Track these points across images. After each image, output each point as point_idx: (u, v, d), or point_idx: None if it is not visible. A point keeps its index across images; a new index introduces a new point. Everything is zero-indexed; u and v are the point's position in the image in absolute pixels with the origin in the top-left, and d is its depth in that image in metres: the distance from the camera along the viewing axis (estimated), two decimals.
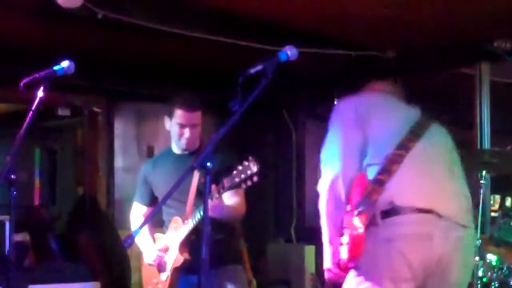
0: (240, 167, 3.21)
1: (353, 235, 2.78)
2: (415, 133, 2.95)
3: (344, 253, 2.84)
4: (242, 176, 3.20)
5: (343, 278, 2.91)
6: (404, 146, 2.87)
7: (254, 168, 3.16)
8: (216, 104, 3.74)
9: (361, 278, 2.80)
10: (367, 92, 3.20)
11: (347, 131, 2.95)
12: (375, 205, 2.78)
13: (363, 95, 3.16)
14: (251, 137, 6.48)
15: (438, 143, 3.04)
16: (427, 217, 2.76)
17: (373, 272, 2.78)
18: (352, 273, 2.85)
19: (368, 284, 2.78)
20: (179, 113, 3.68)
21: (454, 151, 3.11)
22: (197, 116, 3.71)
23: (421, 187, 2.82)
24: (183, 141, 3.72)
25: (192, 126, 3.70)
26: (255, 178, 3.18)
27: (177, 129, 3.70)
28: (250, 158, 3.20)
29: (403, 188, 2.80)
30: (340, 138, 2.94)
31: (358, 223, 2.78)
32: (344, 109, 3.07)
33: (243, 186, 3.21)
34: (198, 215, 3.47)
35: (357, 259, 2.81)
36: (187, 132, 3.69)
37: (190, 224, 3.53)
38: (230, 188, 3.29)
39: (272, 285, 6.27)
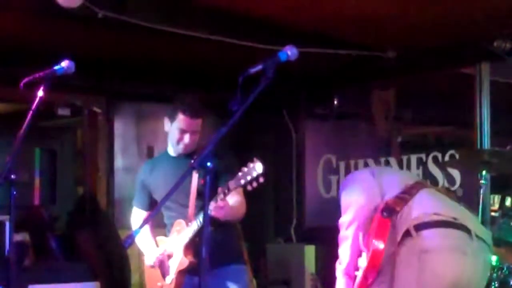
0: (245, 169, 3.21)
1: (373, 249, 2.84)
2: (419, 183, 3.08)
3: (362, 267, 2.89)
4: (248, 177, 3.20)
5: None
6: (416, 186, 3.00)
7: (260, 169, 3.16)
8: (216, 104, 3.73)
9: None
10: None
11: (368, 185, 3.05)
12: (400, 217, 2.83)
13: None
14: (251, 137, 6.48)
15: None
16: (460, 233, 2.80)
17: (405, 281, 2.79)
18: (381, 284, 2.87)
19: None
20: (181, 118, 3.64)
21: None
22: (198, 123, 3.69)
23: (444, 205, 2.92)
24: (181, 146, 3.70)
25: (192, 133, 3.68)
26: (261, 179, 3.18)
27: (177, 134, 3.68)
28: (255, 159, 3.19)
29: (429, 203, 2.89)
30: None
31: (378, 234, 2.85)
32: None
33: (249, 188, 3.21)
34: (201, 217, 3.46)
35: (374, 271, 2.85)
36: (186, 138, 3.67)
37: (194, 226, 3.52)
38: (235, 189, 3.30)
39: (272, 285, 6.27)
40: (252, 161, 3.19)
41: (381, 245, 2.82)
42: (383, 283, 2.85)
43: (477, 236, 2.82)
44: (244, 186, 3.23)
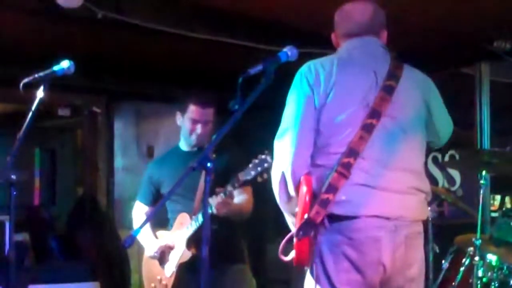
0: (256, 160, 3.22)
1: (297, 243, 2.71)
2: (374, 114, 2.72)
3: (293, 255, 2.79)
4: (259, 169, 3.21)
5: None
6: (354, 151, 2.68)
7: (271, 161, 3.16)
8: (216, 104, 3.74)
9: (314, 279, 2.76)
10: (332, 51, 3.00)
11: (302, 111, 2.75)
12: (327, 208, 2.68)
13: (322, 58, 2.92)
14: (251, 137, 6.48)
15: (405, 106, 2.84)
16: (373, 220, 2.67)
17: (324, 275, 2.73)
18: (307, 272, 2.82)
19: (321, 285, 2.74)
20: (192, 109, 3.69)
21: (430, 102, 3.00)
22: (210, 113, 3.72)
23: (367, 200, 2.70)
24: (194, 137, 3.72)
25: (204, 123, 3.70)
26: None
27: (189, 125, 3.70)
28: (266, 151, 3.21)
29: (349, 203, 2.68)
30: (292, 123, 2.77)
31: (300, 250, 2.72)
32: (299, 79, 2.81)
33: (259, 179, 3.22)
34: (210, 202, 3.45)
35: (303, 265, 2.77)
36: (199, 128, 3.69)
37: (199, 219, 3.51)
38: (245, 182, 3.30)
39: (272, 285, 6.27)
40: (263, 153, 3.21)
41: (305, 243, 2.68)
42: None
43: (394, 218, 2.68)
44: (254, 178, 3.24)
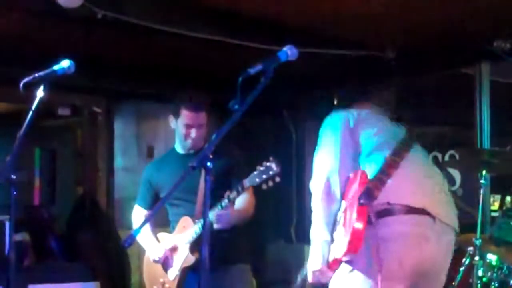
0: (261, 167, 3.22)
1: (354, 229, 2.79)
2: (405, 145, 3.04)
3: (341, 248, 2.84)
4: (264, 176, 3.21)
5: (329, 278, 2.93)
6: (398, 154, 2.95)
7: (277, 169, 3.17)
8: (216, 104, 3.74)
9: (355, 273, 2.82)
10: (356, 107, 3.26)
11: (341, 136, 3.02)
12: (374, 203, 2.80)
13: (352, 109, 3.24)
14: (251, 137, 6.48)
15: (422, 157, 3.15)
16: (422, 218, 2.81)
17: (367, 269, 2.80)
18: (345, 268, 2.86)
19: (362, 279, 2.80)
20: (185, 114, 3.66)
21: (435, 168, 3.24)
22: (203, 116, 3.70)
23: (416, 190, 2.89)
24: (189, 141, 3.71)
25: (198, 126, 3.69)
26: (277, 179, 3.19)
27: (183, 130, 3.69)
28: (271, 158, 3.21)
29: (400, 189, 2.86)
30: (335, 142, 3.01)
31: (359, 217, 2.79)
32: (336, 119, 3.14)
33: (264, 186, 3.22)
34: (209, 215, 3.44)
35: (354, 252, 2.82)
36: (193, 133, 3.68)
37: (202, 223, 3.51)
38: (249, 187, 3.31)
39: (272, 285, 6.27)
40: (268, 160, 3.20)
41: (360, 225, 2.77)
42: (353, 263, 2.85)
43: (440, 220, 2.85)
44: (259, 185, 3.24)
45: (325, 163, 2.98)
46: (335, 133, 3.05)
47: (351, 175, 2.92)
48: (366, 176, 2.87)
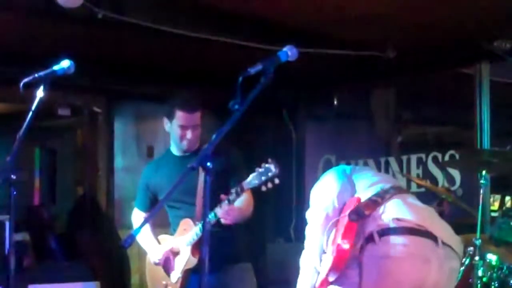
0: (260, 169, 3.21)
1: (339, 248, 2.81)
2: (401, 187, 3.10)
3: (326, 266, 2.87)
4: (263, 178, 3.19)
5: None
6: (396, 189, 2.97)
7: (275, 170, 3.16)
8: (215, 104, 3.73)
9: None
10: None
11: (339, 177, 3.04)
12: (367, 224, 2.80)
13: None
14: (251, 137, 6.48)
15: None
16: (425, 241, 2.76)
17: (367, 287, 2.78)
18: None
19: None
20: (179, 115, 3.63)
21: None
22: (197, 116, 3.68)
23: (416, 212, 2.87)
24: (185, 143, 3.68)
25: (193, 127, 3.66)
26: (276, 181, 3.18)
27: (178, 131, 3.66)
28: (270, 160, 3.19)
29: (401, 209, 2.84)
30: (332, 181, 3.03)
31: (345, 235, 2.81)
32: (332, 170, 3.16)
33: (263, 188, 3.21)
34: (210, 216, 3.44)
35: (336, 271, 2.83)
36: (189, 134, 3.65)
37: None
38: (248, 189, 3.30)
39: (272, 285, 6.27)
40: (267, 161, 3.19)
41: (346, 246, 2.79)
42: (344, 285, 2.83)
43: (443, 243, 2.79)
44: (258, 187, 3.23)
45: (324, 195, 3.01)
46: (332, 176, 3.09)
47: (347, 201, 2.94)
48: (360, 200, 2.90)
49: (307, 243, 3.05)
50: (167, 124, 3.72)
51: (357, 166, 3.25)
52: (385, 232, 2.76)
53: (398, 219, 2.78)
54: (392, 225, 2.77)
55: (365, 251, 2.77)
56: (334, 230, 2.90)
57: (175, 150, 3.80)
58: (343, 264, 2.80)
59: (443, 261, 2.77)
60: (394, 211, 2.82)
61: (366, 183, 2.98)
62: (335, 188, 2.97)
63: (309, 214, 3.05)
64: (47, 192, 7.74)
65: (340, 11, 4.51)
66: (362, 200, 2.89)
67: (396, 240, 2.75)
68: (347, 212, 2.83)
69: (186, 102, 3.65)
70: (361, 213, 2.81)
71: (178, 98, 3.71)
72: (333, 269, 2.83)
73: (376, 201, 2.84)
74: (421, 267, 2.74)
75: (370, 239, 2.77)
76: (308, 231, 3.05)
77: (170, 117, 3.67)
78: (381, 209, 2.82)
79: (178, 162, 3.73)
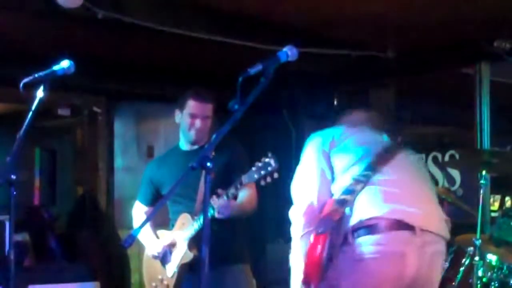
0: (259, 164, 3.22)
1: (309, 257, 2.82)
2: (382, 157, 2.96)
3: (300, 275, 2.88)
4: (262, 172, 3.20)
5: None
6: (371, 168, 2.88)
7: (275, 164, 3.16)
8: (215, 101, 3.74)
9: None
10: (339, 124, 3.24)
11: (318, 162, 3.00)
12: (341, 225, 2.78)
13: (340, 123, 3.23)
14: (251, 137, 6.48)
15: (409, 162, 3.07)
16: (399, 235, 2.72)
17: None
18: None
19: None
20: (191, 104, 3.67)
21: (426, 173, 3.17)
22: (209, 108, 3.70)
23: (393, 200, 2.79)
24: (193, 132, 3.69)
25: (203, 118, 3.68)
26: (275, 175, 3.18)
27: (188, 120, 3.68)
28: (270, 154, 3.20)
29: (371, 204, 2.78)
30: (311, 169, 3.00)
31: (314, 245, 2.81)
32: (314, 144, 3.11)
33: (262, 183, 3.22)
34: (209, 212, 3.44)
35: (309, 279, 2.83)
36: (198, 123, 3.67)
37: (201, 220, 3.50)
38: (248, 184, 3.30)
39: (272, 285, 6.27)
40: (266, 156, 3.20)
41: (316, 254, 2.78)
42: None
43: (422, 230, 2.73)
44: (257, 181, 3.24)
45: (304, 192, 2.99)
46: (310, 158, 3.06)
47: (326, 202, 2.90)
48: (333, 203, 2.86)
49: (292, 244, 3.02)
50: (177, 115, 3.74)
51: (344, 132, 3.11)
52: (358, 233, 2.73)
53: (370, 217, 2.73)
54: (363, 224, 2.73)
55: (341, 253, 2.77)
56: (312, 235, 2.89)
57: (183, 144, 3.81)
58: (314, 273, 2.80)
59: (421, 248, 2.73)
60: (364, 208, 2.77)
61: (344, 165, 2.92)
62: (315, 185, 2.93)
63: (291, 214, 3.02)
64: (47, 192, 7.74)
65: (340, 11, 4.51)
66: (336, 196, 2.84)
67: (369, 240, 2.71)
68: (318, 224, 2.81)
69: (198, 92, 3.70)
70: (328, 224, 2.78)
71: (191, 89, 3.75)
72: (304, 279, 2.83)
73: (344, 201, 2.79)
74: (397, 263, 2.70)
75: (345, 240, 2.76)
76: (293, 231, 3.01)
77: (182, 107, 3.70)
78: (352, 207, 2.78)
79: (184, 157, 3.73)
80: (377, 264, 2.69)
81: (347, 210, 2.79)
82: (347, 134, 3.06)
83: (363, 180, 2.82)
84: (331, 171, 2.95)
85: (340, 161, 2.94)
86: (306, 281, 2.85)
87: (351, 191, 2.81)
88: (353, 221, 2.75)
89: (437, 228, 2.84)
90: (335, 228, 2.78)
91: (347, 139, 3.04)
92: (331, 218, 2.77)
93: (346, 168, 2.91)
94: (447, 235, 2.92)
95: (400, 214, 2.74)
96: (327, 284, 2.79)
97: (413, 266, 2.71)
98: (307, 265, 2.84)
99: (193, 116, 3.68)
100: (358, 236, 2.73)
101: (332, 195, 2.92)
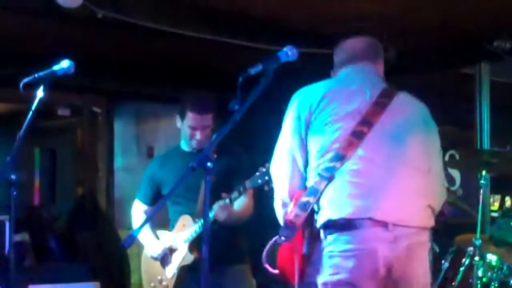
0: (263, 169, 3.23)
1: (280, 264, 2.93)
2: (360, 132, 2.75)
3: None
4: (266, 177, 3.21)
5: None
6: (339, 157, 2.71)
7: None
8: (214, 108, 3.74)
9: None
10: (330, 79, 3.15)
11: (290, 145, 2.91)
12: (311, 221, 2.72)
13: (317, 86, 3.07)
14: (251, 137, 6.48)
15: (399, 121, 2.86)
16: (370, 231, 2.62)
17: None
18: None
19: None
20: (190, 116, 3.66)
21: (427, 124, 2.97)
22: (208, 118, 3.69)
23: (360, 196, 2.66)
24: (194, 142, 3.71)
25: (203, 128, 3.68)
26: None
27: (188, 131, 3.69)
28: None
29: (338, 201, 2.67)
30: (283, 155, 2.91)
31: (283, 254, 2.89)
32: (291, 115, 3.05)
33: (266, 188, 3.23)
34: (210, 214, 3.45)
35: (285, 274, 2.90)
36: (198, 135, 3.68)
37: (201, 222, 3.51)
38: (251, 189, 3.31)
39: (272, 285, 6.27)
40: (270, 161, 3.20)
41: (286, 261, 2.84)
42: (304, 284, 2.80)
43: (395, 224, 2.62)
44: (261, 186, 3.25)
45: (277, 183, 2.94)
46: (285, 139, 2.98)
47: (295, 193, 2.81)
48: (299, 196, 2.77)
49: (275, 196, 3.02)
50: (178, 122, 3.75)
51: (326, 95, 2.93)
52: (329, 230, 2.67)
53: (336, 220, 2.65)
54: (332, 223, 2.66)
55: (315, 250, 2.72)
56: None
57: (185, 146, 3.81)
58: (284, 264, 2.85)
59: (394, 243, 2.63)
60: (330, 208, 2.67)
61: (315, 152, 2.77)
62: (286, 177, 2.85)
63: (273, 167, 2.96)
64: (47, 192, 7.73)
65: (340, 11, 4.51)
66: (303, 192, 2.75)
67: (340, 238, 2.65)
68: (280, 232, 2.82)
69: (196, 104, 3.67)
70: (291, 231, 2.76)
71: (190, 99, 3.71)
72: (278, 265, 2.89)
73: (308, 204, 2.70)
74: (370, 259, 2.63)
75: (317, 236, 2.70)
76: (276, 185, 2.97)
77: (182, 116, 3.70)
78: (319, 205, 2.70)
79: (185, 158, 3.73)
80: (349, 261, 2.63)
81: (314, 207, 2.71)
82: (328, 99, 2.88)
83: (327, 177, 2.68)
84: (304, 153, 2.83)
85: (314, 146, 2.79)
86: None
87: (314, 192, 2.69)
88: (321, 220, 2.68)
89: (413, 220, 2.70)
90: (305, 226, 2.74)
91: (326, 107, 2.86)
92: (294, 224, 2.73)
93: (317, 157, 2.76)
94: (428, 223, 2.77)
95: (370, 211, 2.63)
96: (306, 282, 2.78)
97: (386, 261, 2.62)
98: (281, 272, 2.91)
99: (193, 129, 3.68)
100: (329, 234, 2.66)
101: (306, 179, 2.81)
